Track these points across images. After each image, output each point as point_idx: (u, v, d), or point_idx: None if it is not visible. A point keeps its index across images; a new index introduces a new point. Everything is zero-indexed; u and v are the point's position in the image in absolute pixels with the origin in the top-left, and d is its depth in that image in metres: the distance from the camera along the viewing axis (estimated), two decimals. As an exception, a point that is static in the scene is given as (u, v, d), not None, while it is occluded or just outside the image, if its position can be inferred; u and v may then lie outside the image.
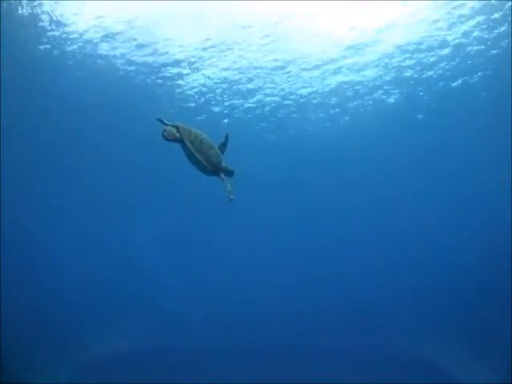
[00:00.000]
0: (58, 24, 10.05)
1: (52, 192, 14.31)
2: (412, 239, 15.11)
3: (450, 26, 10.17)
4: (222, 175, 4.09)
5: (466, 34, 10.36)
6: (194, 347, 12.78)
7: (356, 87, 12.23)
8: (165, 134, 3.84)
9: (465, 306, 12.98)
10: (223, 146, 4.17)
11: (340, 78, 11.91)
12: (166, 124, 3.91)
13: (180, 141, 3.90)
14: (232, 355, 12.14)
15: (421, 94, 12.18)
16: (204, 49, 11.03)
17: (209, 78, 12.09)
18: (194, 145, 3.88)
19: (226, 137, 4.20)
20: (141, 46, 10.94)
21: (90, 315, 13.22)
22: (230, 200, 3.97)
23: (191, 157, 3.95)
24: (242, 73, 11.88)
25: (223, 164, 4.12)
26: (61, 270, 14.28)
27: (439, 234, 15.10)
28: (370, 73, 11.83)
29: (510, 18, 9.66)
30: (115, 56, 11.25)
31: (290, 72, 11.81)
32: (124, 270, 15.16)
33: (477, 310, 12.68)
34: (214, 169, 4.04)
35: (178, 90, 12.56)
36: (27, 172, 13.55)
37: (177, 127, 3.91)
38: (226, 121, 13.49)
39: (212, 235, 15.43)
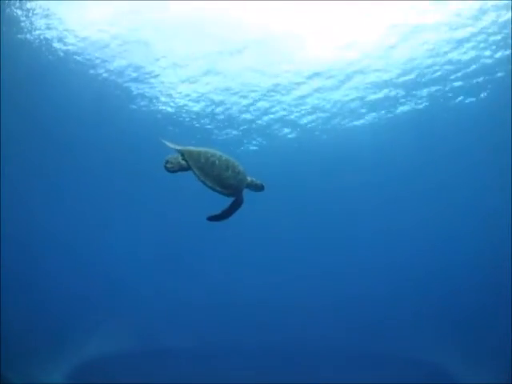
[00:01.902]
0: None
1: (48, 196, 14.27)
2: (412, 241, 15.17)
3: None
4: (241, 197, 3.67)
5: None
6: (192, 348, 12.81)
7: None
8: (168, 165, 3.34)
9: (465, 307, 13.00)
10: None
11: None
12: (170, 148, 3.44)
13: (188, 169, 3.40)
14: (232, 357, 12.18)
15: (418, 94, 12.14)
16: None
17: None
18: (203, 170, 3.39)
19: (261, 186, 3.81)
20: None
21: (86, 317, 13.26)
22: (207, 218, 3.67)
23: (203, 183, 3.49)
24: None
25: (248, 180, 3.68)
26: (57, 272, 14.28)
27: (439, 236, 15.15)
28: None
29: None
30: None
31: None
32: (120, 272, 15.23)
33: (477, 310, 12.70)
34: (233, 191, 3.57)
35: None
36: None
37: (182, 153, 3.40)
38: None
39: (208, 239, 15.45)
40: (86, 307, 13.69)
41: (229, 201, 3.70)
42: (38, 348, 11.34)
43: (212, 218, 3.67)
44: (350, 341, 12.86)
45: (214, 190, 3.50)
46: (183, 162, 3.37)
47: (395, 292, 14.26)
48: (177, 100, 12.27)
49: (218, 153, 3.56)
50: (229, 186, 3.50)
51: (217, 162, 3.45)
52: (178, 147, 3.44)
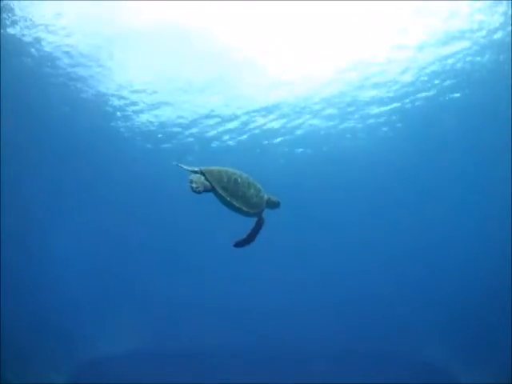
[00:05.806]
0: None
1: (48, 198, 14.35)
2: (413, 242, 15.18)
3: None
4: (262, 217, 3.48)
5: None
6: (192, 348, 12.81)
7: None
8: (193, 185, 3.04)
9: (465, 307, 13.02)
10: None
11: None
12: (188, 170, 3.23)
13: (212, 189, 3.17)
14: (232, 357, 12.17)
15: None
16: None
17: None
18: (228, 190, 3.17)
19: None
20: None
21: (88, 318, 13.29)
22: (234, 245, 3.47)
23: (228, 205, 3.26)
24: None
25: (266, 197, 3.47)
26: (58, 273, 14.34)
27: (440, 236, 15.13)
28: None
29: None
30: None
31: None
32: (122, 273, 15.22)
33: (477, 310, 12.70)
34: (257, 211, 3.37)
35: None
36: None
37: (202, 173, 3.18)
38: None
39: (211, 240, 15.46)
40: (85, 308, 13.71)
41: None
42: (37, 348, 11.35)
43: (239, 244, 3.46)
44: (351, 341, 12.83)
45: (239, 210, 3.27)
46: (207, 183, 3.12)
47: (396, 292, 14.25)
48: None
49: (237, 171, 3.35)
50: (254, 205, 3.30)
51: (239, 179, 3.25)
52: (196, 168, 3.23)
